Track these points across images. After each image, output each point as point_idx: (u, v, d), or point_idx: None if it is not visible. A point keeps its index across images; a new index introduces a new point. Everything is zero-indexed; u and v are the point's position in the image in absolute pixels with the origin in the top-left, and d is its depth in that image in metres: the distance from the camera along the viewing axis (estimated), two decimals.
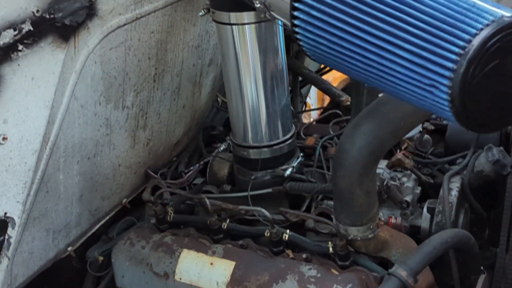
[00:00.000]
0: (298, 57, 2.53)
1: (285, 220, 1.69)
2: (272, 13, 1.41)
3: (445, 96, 0.89)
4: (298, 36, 1.21)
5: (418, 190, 1.77)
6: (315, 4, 1.10)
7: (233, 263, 1.57)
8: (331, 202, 1.79)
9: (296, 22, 1.19)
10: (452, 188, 1.66)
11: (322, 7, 1.08)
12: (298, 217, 1.66)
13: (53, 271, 1.78)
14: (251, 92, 1.76)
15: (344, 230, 1.52)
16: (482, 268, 1.61)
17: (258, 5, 1.41)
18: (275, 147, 1.82)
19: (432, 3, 0.92)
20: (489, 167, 1.66)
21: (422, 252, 1.39)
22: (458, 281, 1.57)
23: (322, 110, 2.71)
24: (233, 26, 1.67)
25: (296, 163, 1.87)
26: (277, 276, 1.51)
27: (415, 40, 0.92)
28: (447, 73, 0.87)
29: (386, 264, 1.61)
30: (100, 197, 1.87)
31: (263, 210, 1.61)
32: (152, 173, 2.02)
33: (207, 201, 1.68)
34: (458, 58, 0.86)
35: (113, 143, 1.82)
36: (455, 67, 0.86)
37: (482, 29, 0.85)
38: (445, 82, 0.88)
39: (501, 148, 1.69)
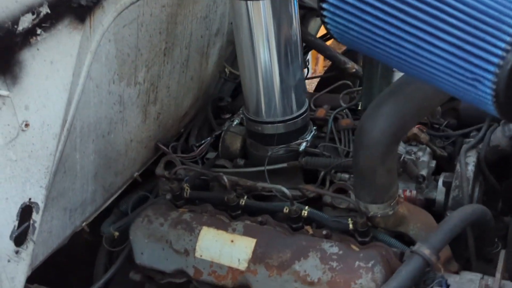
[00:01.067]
0: (302, 23, 2.50)
1: (302, 196, 1.70)
2: None
3: (489, 91, 0.89)
4: (325, 19, 1.19)
5: (433, 164, 1.78)
6: None
7: (254, 240, 1.59)
8: (345, 175, 1.82)
9: (324, 5, 1.16)
10: (469, 163, 1.67)
11: None
12: (316, 193, 1.67)
13: (65, 244, 1.80)
14: (266, 66, 1.74)
15: (364, 207, 1.53)
16: (496, 240, 1.65)
17: None
18: (289, 122, 1.81)
19: None
20: (506, 142, 1.67)
21: (443, 230, 1.42)
22: (474, 253, 1.60)
23: (327, 78, 2.68)
24: (248, 2, 1.64)
25: (310, 137, 1.88)
26: (299, 253, 1.53)
27: (458, 33, 0.90)
28: (492, 68, 0.87)
29: (403, 237, 1.64)
30: (113, 173, 1.87)
31: (283, 188, 1.61)
32: (164, 147, 2.01)
33: (225, 178, 1.68)
34: (504, 54, 0.85)
35: (125, 120, 1.81)
36: (501, 62, 0.85)
37: None
38: (490, 77, 0.87)
39: None
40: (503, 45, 0.85)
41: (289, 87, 1.78)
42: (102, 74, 1.59)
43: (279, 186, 1.64)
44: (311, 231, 1.61)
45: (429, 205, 1.76)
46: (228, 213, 1.71)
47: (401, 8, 0.98)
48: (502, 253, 1.44)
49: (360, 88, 2.12)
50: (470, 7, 0.89)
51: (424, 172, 1.74)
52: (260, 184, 1.69)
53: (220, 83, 2.26)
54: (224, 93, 2.26)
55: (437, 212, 1.76)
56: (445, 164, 1.83)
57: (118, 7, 1.53)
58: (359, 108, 2.09)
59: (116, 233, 1.89)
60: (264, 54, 1.72)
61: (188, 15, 1.93)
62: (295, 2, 1.70)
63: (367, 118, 1.43)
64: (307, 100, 1.88)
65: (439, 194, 1.75)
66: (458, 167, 1.68)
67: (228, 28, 2.34)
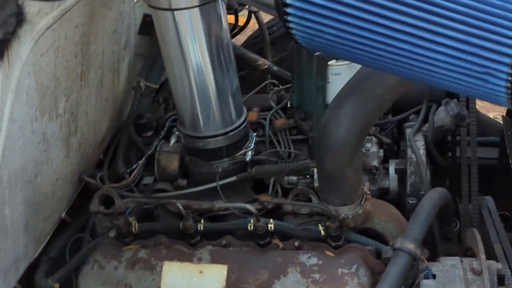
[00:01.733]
0: None
1: (262, 209, 1.61)
2: None
3: (503, 83, 0.85)
4: (290, 25, 1.10)
5: (381, 153, 1.78)
6: None
7: (225, 266, 1.47)
8: (293, 178, 1.76)
9: (289, 10, 1.08)
10: (419, 147, 1.68)
11: None
12: (275, 204, 1.59)
13: None
14: (200, 77, 1.62)
15: (334, 210, 1.48)
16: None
17: None
18: (232, 133, 1.71)
19: None
20: (450, 121, 1.70)
21: (420, 220, 1.40)
22: (439, 236, 1.62)
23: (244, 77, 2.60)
24: (175, 12, 1.50)
25: (253, 145, 1.79)
26: (276, 272, 1.45)
27: (465, 28, 0.86)
28: (507, 60, 0.84)
29: (367, 232, 1.62)
30: (42, 219, 1.67)
31: (247, 206, 1.52)
32: (91, 180, 1.82)
33: (179, 205, 1.55)
34: None
35: (50, 158, 1.61)
36: None
37: None
38: (505, 69, 0.84)
39: (455, 100, 1.74)
40: None
41: (227, 96, 1.67)
42: (24, 113, 1.39)
43: (241, 204, 1.54)
44: (281, 245, 1.53)
45: (382, 194, 1.76)
46: (186, 241, 1.58)
47: (393, 8, 0.92)
48: (476, 233, 1.46)
49: (288, 85, 2.07)
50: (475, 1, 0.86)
51: (375, 163, 1.73)
52: (219, 205, 1.58)
53: (136, 99, 2.09)
54: (142, 109, 2.09)
55: (392, 200, 1.76)
56: (389, 151, 1.83)
57: (34, 35, 1.33)
58: (288, 106, 2.03)
59: (57, 285, 1.67)
60: (197, 64, 1.59)
61: (99, 32, 1.75)
62: (223, 4, 1.59)
63: (329, 120, 1.37)
64: (244, 107, 1.78)
65: (392, 182, 1.75)
66: (409, 153, 1.69)
67: (135, 40, 2.17)
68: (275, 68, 2.53)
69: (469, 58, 0.88)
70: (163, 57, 1.66)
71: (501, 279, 1.35)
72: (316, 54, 1.73)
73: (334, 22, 1.03)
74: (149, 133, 2.05)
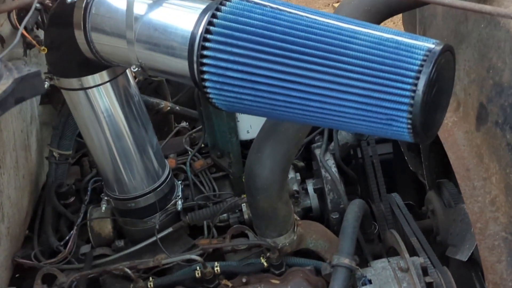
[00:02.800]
0: None
1: (203, 254, 1.71)
2: (152, 72, 1.37)
3: (405, 126, 1.03)
4: (210, 96, 1.22)
5: (298, 176, 1.94)
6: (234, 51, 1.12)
7: None
8: (224, 216, 1.87)
9: (207, 85, 1.20)
10: (331, 166, 1.87)
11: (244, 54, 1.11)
12: (220, 245, 1.70)
13: None
14: (121, 146, 1.68)
15: (273, 242, 1.61)
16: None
17: (135, 69, 1.35)
18: (160, 188, 1.79)
19: (366, 50, 1.03)
20: (352, 138, 1.90)
21: (348, 235, 1.58)
22: (363, 240, 1.81)
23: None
24: (88, 90, 1.56)
25: (180, 193, 1.88)
26: None
27: (365, 85, 1.03)
28: (405, 107, 1.01)
29: (300, 252, 1.77)
30: None
31: (192, 256, 1.61)
32: (26, 261, 1.82)
33: (127, 270, 1.61)
34: (412, 94, 1.00)
35: None
36: (412, 101, 1.00)
37: (422, 64, 1.00)
38: (405, 115, 1.02)
39: None
40: (408, 86, 1.00)
41: (149, 155, 1.75)
42: None
43: (185, 255, 1.63)
44: (230, 284, 1.63)
45: (306, 212, 1.92)
46: None
47: (305, 75, 1.07)
48: (395, 233, 1.66)
49: (198, 128, 2.18)
50: (369, 61, 1.02)
51: (296, 187, 1.89)
52: (165, 260, 1.65)
53: (52, 169, 2.09)
54: (61, 177, 2.10)
55: (316, 216, 1.93)
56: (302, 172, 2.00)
57: None
58: (202, 145, 2.14)
59: None
60: (116, 133, 1.65)
61: (8, 116, 1.76)
62: (129, 74, 1.65)
63: (253, 164, 1.50)
64: (166, 161, 1.87)
65: (313, 200, 1.92)
66: (324, 173, 1.86)
67: (38, 111, 2.18)
68: (177, 108, 2.62)
69: (373, 109, 1.05)
70: (81, 130, 1.70)
71: (424, 271, 1.55)
72: None
73: (250, 91, 1.16)
74: (71, 199, 2.07)
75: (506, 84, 1.46)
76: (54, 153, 2.10)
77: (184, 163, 2.06)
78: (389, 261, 1.60)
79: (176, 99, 2.77)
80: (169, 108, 2.60)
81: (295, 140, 1.49)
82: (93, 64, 1.50)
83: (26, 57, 1.89)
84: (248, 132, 1.94)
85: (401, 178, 2.38)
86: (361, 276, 1.54)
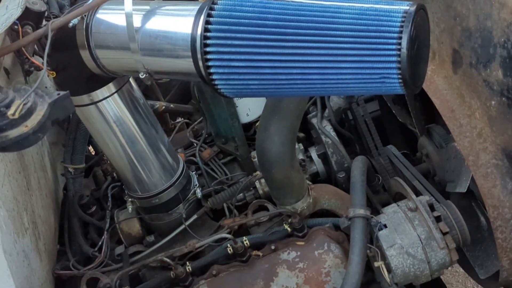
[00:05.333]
0: None
1: (230, 232, 1.86)
2: (158, 75, 1.50)
3: (397, 81, 1.18)
4: (217, 87, 1.36)
5: (301, 147, 2.09)
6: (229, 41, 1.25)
7: None
8: (240, 196, 2.02)
9: (214, 80, 1.33)
10: (329, 131, 2.02)
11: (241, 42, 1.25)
12: (244, 223, 1.85)
13: None
14: (137, 149, 1.81)
15: (292, 208, 1.77)
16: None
17: (143, 76, 1.48)
18: (179, 180, 1.93)
19: (351, 22, 1.18)
20: (343, 102, 2.05)
21: (358, 188, 1.73)
22: (370, 192, 1.97)
23: None
24: (98, 104, 1.68)
25: (197, 182, 2.02)
26: (269, 276, 1.71)
27: (355, 52, 1.18)
28: (394, 65, 1.16)
29: (316, 213, 1.93)
30: None
31: (223, 234, 1.76)
32: (67, 272, 1.95)
33: (166, 258, 1.75)
34: (398, 52, 1.15)
35: (33, 269, 1.73)
36: (399, 59, 1.15)
37: (401, 25, 1.15)
38: (395, 71, 1.17)
39: None
40: (393, 46, 1.15)
41: (163, 152, 1.88)
42: (8, 241, 1.51)
43: (217, 235, 1.77)
44: (260, 253, 1.79)
45: (314, 177, 2.08)
46: (181, 286, 1.79)
47: (298, 53, 1.22)
48: (399, 180, 1.82)
49: (199, 120, 2.32)
50: (356, 31, 1.17)
51: (301, 156, 2.04)
52: (199, 243, 1.80)
53: (70, 183, 2.21)
54: (79, 190, 2.23)
55: (324, 180, 2.09)
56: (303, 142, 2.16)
57: None
58: (206, 135, 2.29)
59: None
60: (130, 138, 1.78)
61: None
62: (132, 80, 1.78)
63: (263, 141, 1.65)
64: (178, 155, 2.01)
65: (318, 165, 2.07)
66: (324, 138, 2.02)
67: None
68: (171, 106, 2.75)
69: (367, 71, 1.20)
70: (97, 141, 1.83)
71: (431, 207, 1.72)
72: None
73: (255, 75, 1.31)
74: (93, 208, 2.20)
75: (473, 28, 1.62)
76: (69, 169, 2.22)
77: (193, 155, 2.20)
78: (398, 205, 1.77)
79: (168, 98, 2.89)
80: (163, 107, 2.73)
81: (297, 113, 1.64)
82: (100, 78, 1.62)
83: (27, 84, 2.00)
84: (247, 115, 2.08)
85: (392, 132, 2.54)
86: (376, 223, 1.70)
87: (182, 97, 2.95)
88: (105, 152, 1.85)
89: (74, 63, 1.58)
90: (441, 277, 2.74)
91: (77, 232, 2.11)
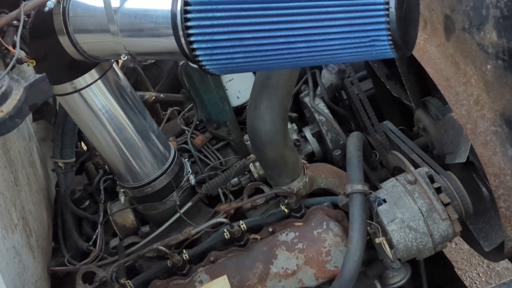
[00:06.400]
0: None
1: (227, 217, 1.81)
2: (141, 57, 1.45)
3: (387, 43, 1.13)
4: (202, 63, 1.31)
5: (295, 127, 2.04)
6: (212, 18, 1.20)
7: (224, 276, 1.66)
8: (235, 180, 1.97)
9: (199, 57, 1.28)
10: (322, 108, 1.97)
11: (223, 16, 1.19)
12: (239, 206, 1.80)
13: None
14: (126, 137, 1.76)
15: (288, 188, 1.72)
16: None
17: (125, 58, 1.43)
18: (171, 167, 1.88)
19: None
20: (335, 78, 2.00)
21: (354, 163, 1.68)
22: (368, 169, 1.93)
23: None
24: (82, 91, 1.63)
25: (190, 169, 1.97)
26: (268, 258, 1.66)
27: (344, 15, 1.12)
28: (383, 26, 1.11)
29: (313, 193, 1.88)
30: None
31: (219, 219, 1.71)
32: (62, 268, 1.91)
33: (162, 247, 1.71)
34: (387, 12, 1.10)
35: (25, 266, 1.69)
36: (388, 19, 1.10)
37: None
38: (384, 33, 1.11)
39: None
40: (382, 6, 1.10)
41: (153, 139, 1.83)
42: None
43: (213, 220, 1.73)
44: (258, 236, 1.74)
45: (310, 158, 2.03)
46: (179, 274, 1.74)
47: (283, 21, 1.16)
48: (398, 153, 1.77)
49: (189, 107, 2.27)
50: None
51: (295, 136, 1.99)
52: (195, 230, 1.75)
53: (61, 178, 2.16)
54: (70, 185, 2.17)
55: (320, 159, 2.04)
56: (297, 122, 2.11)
57: None
58: (197, 122, 2.23)
59: None
60: (117, 125, 1.73)
61: (11, 135, 1.83)
62: (117, 68, 1.73)
63: (254, 121, 1.60)
64: (169, 142, 1.95)
65: (313, 145, 2.02)
66: (317, 116, 1.96)
67: (33, 128, 2.24)
68: (162, 96, 2.70)
69: (356, 35, 1.14)
70: (84, 132, 1.78)
71: (430, 178, 1.67)
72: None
73: (239, 48, 1.25)
74: (86, 203, 2.15)
75: None
76: (60, 164, 2.17)
77: (185, 143, 2.15)
78: (397, 179, 1.72)
79: (157, 88, 2.84)
80: (153, 97, 2.68)
81: (287, 89, 1.59)
82: (82, 64, 1.57)
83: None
84: (238, 97, 2.03)
85: (387, 109, 2.49)
86: (375, 198, 1.65)
87: (172, 87, 2.89)
88: (94, 143, 1.80)
89: (53, 50, 1.53)
90: (446, 254, 2.71)
91: (71, 227, 2.06)
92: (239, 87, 2.01)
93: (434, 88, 2.15)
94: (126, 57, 1.43)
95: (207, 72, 1.34)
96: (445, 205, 1.61)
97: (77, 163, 2.40)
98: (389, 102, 2.49)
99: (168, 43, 1.31)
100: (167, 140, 2.14)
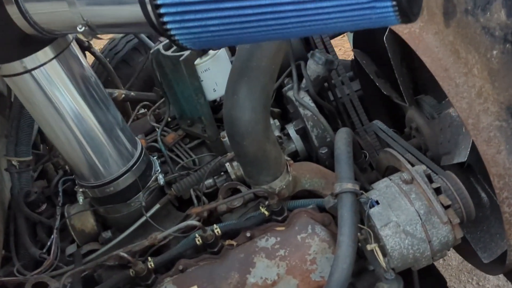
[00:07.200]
0: None
1: (199, 220, 1.61)
2: (101, 29, 1.25)
3: (389, 3, 0.95)
4: (172, 33, 1.12)
5: (277, 123, 1.85)
6: None
7: (195, 287, 1.45)
8: (209, 181, 1.77)
9: (168, 26, 1.09)
10: (308, 102, 1.78)
11: None
12: (212, 208, 1.59)
13: None
14: (83, 127, 1.54)
15: (269, 188, 1.52)
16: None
17: (81, 29, 1.23)
18: (136, 165, 1.67)
19: None
20: (322, 69, 1.81)
21: (344, 160, 1.49)
22: (357, 169, 1.74)
23: None
24: (34, 71, 1.42)
25: (159, 168, 1.76)
26: (244, 267, 1.46)
27: None
28: None
29: (297, 196, 1.68)
30: None
31: (188, 222, 1.50)
32: (10, 278, 1.67)
33: (123, 254, 1.49)
34: None
35: None
36: None
37: None
38: None
39: (317, 49, 1.85)
40: None
41: (116, 132, 1.63)
42: None
43: (183, 223, 1.51)
44: (234, 242, 1.54)
45: (293, 157, 1.84)
46: (143, 285, 1.53)
47: None
48: (391, 150, 1.59)
49: (160, 101, 2.06)
50: None
51: (277, 133, 1.79)
52: (161, 235, 1.54)
53: (15, 179, 1.93)
54: (26, 186, 1.95)
55: (303, 159, 1.85)
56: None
57: None
58: (170, 119, 2.03)
59: None
60: (75, 114, 1.52)
61: None
62: (74, 44, 1.52)
63: (232, 108, 1.40)
64: (136, 138, 1.74)
65: (297, 143, 1.83)
66: (302, 111, 1.77)
67: None
68: (132, 93, 2.50)
69: None
70: (37, 121, 1.56)
71: (429, 178, 1.49)
72: (181, 59, 1.74)
73: (214, 12, 1.06)
74: (43, 206, 1.93)
75: None
76: (13, 162, 1.94)
77: (155, 141, 1.95)
78: (390, 179, 1.53)
79: (128, 86, 2.64)
80: (123, 95, 2.48)
81: (270, 73, 1.40)
82: (34, 40, 1.36)
83: None
84: (214, 90, 1.83)
85: (375, 111, 2.33)
86: (367, 199, 1.47)
87: (144, 86, 2.70)
88: (48, 134, 1.58)
89: (1, 22, 1.32)
90: None
91: (23, 232, 1.83)
92: (216, 79, 1.81)
93: (428, 86, 1.99)
94: (83, 28, 1.23)
95: (178, 44, 1.15)
96: (446, 207, 1.42)
97: (38, 165, 2.18)
98: (377, 103, 2.33)
99: (132, 11, 1.12)
100: (135, 136, 1.94)
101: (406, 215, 1.42)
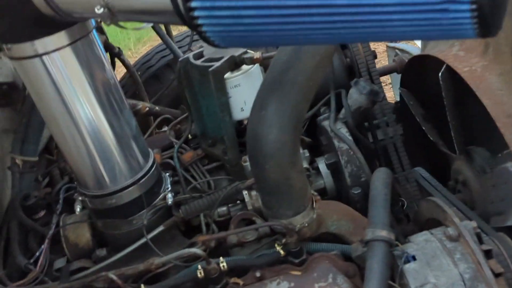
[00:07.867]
0: None
1: (204, 250, 1.40)
2: (122, 15, 1.09)
3: (466, 7, 0.76)
4: (203, 29, 0.95)
5: (307, 153, 1.65)
6: None
7: None
8: (223, 209, 1.58)
9: (199, 21, 0.93)
10: (345, 134, 1.58)
11: None
12: (220, 238, 1.39)
13: None
14: (93, 129, 1.38)
15: (289, 223, 1.32)
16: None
17: (100, 11, 1.08)
18: (144, 179, 1.49)
19: None
20: (365, 99, 1.62)
21: (380, 203, 1.29)
22: (392, 216, 1.52)
23: None
24: (44, 57, 1.26)
25: (169, 185, 1.58)
26: None
27: None
28: None
29: (320, 238, 1.47)
30: None
31: (192, 249, 1.30)
32: None
33: (113, 276, 1.29)
34: None
35: None
36: None
37: None
38: None
39: (362, 78, 1.67)
40: None
41: (128, 140, 1.45)
42: None
43: (184, 250, 1.32)
44: (240, 282, 1.32)
45: (320, 195, 1.63)
46: None
47: None
48: (437, 199, 1.37)
49: (183, 116, 1.89)
50: None
51: (305, 165, 1.60)
52: (158, 261, 1.34)
53: (16, 179, 1.77)
54: (26, 188, 1.78)
55: (331, 198, 1.64)
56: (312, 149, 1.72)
57: None
58: (190, 137, 1.86)
59: None
60: (86, 113, 1.36)
61: None
62: (99, 42, 1.38)
63: (257, 125, 1.22)
64: (149, 148, 1.57)
65: (326, 179, 1.63)
66: (337, 143, 1.58)
67: None
68: (157, 108, 2.35)
69: None
70: (43, 115, 1.41)
71: (478, 237, 1.26)
72: (210, 69, 1.58)
73: (251, 1, 0.89)
74: (42, 213, 1.76)
75: None
76: (17, 161, 1.79)
77: (171, 157, 1.77)
78: (431, 233, 1.31)
79: (154, 99, 2.50)
80: (147, 108, 2.33)
81: (305, 90, 1.21)
82: (49, 21, 1.21)
83: None
84: (242, 109, 1.64)
85: (415, 158, 2.11)
86: (402, 253, 1.25)
87: (171, 104, 2.55)
88: (52, 131, 1.42)
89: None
90: None
91: (14, 238, 1.66)
92: (245, 97, 1.63)
93: (481, 138, 1.77)
94: (102, 9, 1.08)
95: (208, 41, 0.98)
96: (496, 275, 1.19)
97: (48, 170, 2.02)
98: (417, 150, 2.11)
99: None
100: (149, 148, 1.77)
101: (447, 277, 1.19)
